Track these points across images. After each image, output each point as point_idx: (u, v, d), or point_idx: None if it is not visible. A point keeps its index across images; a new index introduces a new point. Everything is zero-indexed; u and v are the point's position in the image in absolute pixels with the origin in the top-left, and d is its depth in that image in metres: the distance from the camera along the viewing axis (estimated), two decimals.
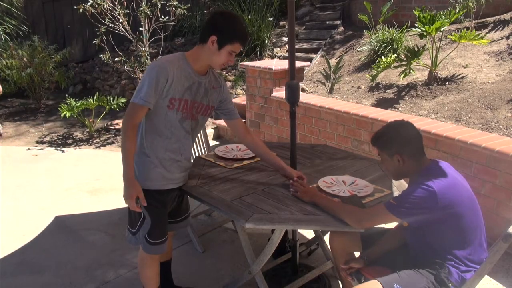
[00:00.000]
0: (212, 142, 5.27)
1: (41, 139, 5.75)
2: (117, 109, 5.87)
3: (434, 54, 4.78)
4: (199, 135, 3.41)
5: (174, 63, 2.01)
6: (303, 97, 4.36)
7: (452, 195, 1.80)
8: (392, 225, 2.16)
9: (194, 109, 2.10)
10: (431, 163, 1.93)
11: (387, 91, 5.07)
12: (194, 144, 3.38)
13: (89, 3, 5.27)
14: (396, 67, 4.98)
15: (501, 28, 5.44)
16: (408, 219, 1.89)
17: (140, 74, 5.67)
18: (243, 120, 5.34)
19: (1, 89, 3.94)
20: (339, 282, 2.61)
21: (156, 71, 1.95)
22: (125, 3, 5.48)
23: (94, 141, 5.59)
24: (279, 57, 6.93)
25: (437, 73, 4.87)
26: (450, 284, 1.83)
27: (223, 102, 2.24)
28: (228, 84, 6.38)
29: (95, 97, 5.65)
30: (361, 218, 1.92)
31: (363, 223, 1.92)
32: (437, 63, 4.83)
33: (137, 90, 1.97)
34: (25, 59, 6.63)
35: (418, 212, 1.81)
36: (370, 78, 5.17)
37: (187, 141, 2.15)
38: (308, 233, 3.11)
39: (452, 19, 4.66)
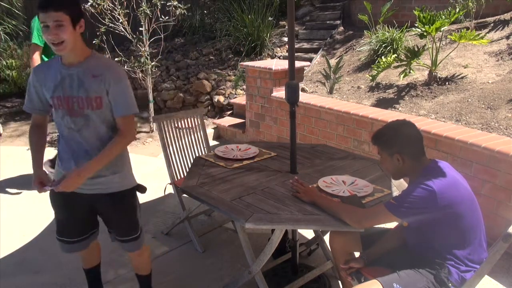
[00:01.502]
0: (212, 142, 5.27)
1: None
2: None
3: (434, 54, 4.78)
4: (198, 135, 3.40)
5: (45, 63, 2.07)
6: (303, 97, 4.36)
7: (452, 195, 1.80)
8: (392, 225, 2.16)
9: (75, 104, 1.94)
10: (431, 162, 1.93)
11: (387, 91, 5.07)
12: (194, 144, 3.37)
13: (89, 3, 5.27)
14: (396, 67, 4.98)
15: (501, 28, 5.44)
16: (408, 219, 1.89)
17: (141, 74, 5.68)
18: (243, 120, 5.34)
19: None
20: (339, 282, 2.61)
21: (30, 76, 2.02)
22: (125, 3, 5.48)
23: None
24: (279, 57, 6.93)
25: (437, 73, 4.87)
26: (450, 284, 1.83)
27: (109, 93, 1.95)
28: (228, 84, 6.38)
29: None
30: (361, 218, 1.92)
31: (363, 223, 1.92)
32: (437, 63, 4.83)
33: None
34: (25, 59, 6.63)
35: (418, 211, 1.81)
36: (370, 78, 5.17)
37: (73, 141, 1.99)
38: (308, 233, 3.11)
39: (452, 19, 4.66)
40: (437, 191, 1.76)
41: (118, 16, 5.41)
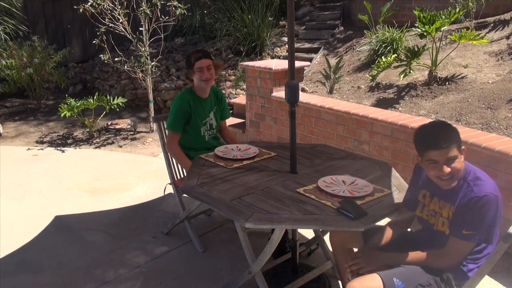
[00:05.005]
0: None
1: (41, 139, 5.75)
2: (117, 109, 5.87)
3: (434, 54, 4.78)
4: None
5: None
6: (303, 97, 4.36)
7: (500, 196, 1.77)
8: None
9: None
10: (464, 163, 1.85)
11: (387, 91, 5.08)
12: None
13: (89, 3, 5.27)
14: (396, 67, 4.98)
15: (501, 28, 5.44)
16: (497, 236, 1.78)
17: (140, 74, 5.67)
18: (243, 120, 5.34)
19: None
20: (339, 282, 2.60)
21: None
22: (125, 3, 5.48)
23: (94, 141, 5.59)
24: (279, 57, 6.93)
25: (437, 73, 4.87)
26: (453, 283, 1.81)
27: None
28: (228, 84, 6.38)
29: (95, 97, 5.65)
30: (450, 261, 1.81)
31: (455, 264, 1.82)
32: (437, 63, 4.83)
33: None
34: (25, 59, 6.63)
35: (498, 223, 1.75)
36: (370, 78, 5.17)
37: None
38: (308, 233, 3.11)
39: (452, 19, 4.66)
40: (498, 195, 1.72)
41: (118, 16, 5.41)
